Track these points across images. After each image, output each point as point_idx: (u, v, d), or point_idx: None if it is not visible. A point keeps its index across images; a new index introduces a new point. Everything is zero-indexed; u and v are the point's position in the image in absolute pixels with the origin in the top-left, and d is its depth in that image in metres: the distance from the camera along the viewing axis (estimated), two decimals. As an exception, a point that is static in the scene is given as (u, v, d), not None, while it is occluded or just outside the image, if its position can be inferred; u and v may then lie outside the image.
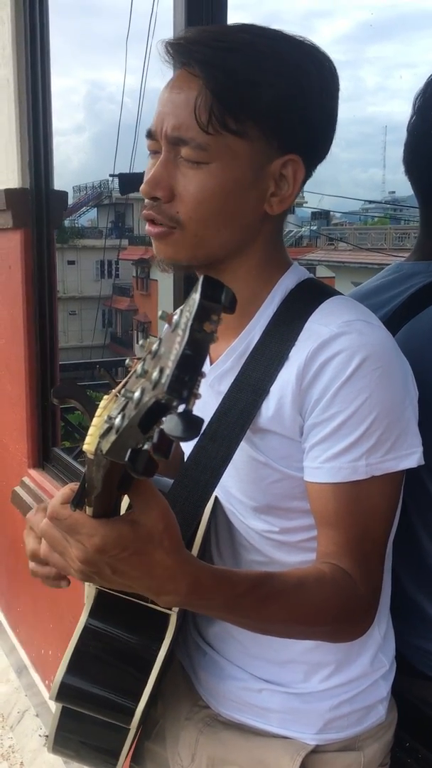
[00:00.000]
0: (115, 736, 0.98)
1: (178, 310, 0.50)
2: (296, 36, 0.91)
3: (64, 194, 2.83)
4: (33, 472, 2.82)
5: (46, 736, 2.55)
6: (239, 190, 0.89)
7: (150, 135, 0.91)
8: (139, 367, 0.53)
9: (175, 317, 0.49)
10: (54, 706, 1.00)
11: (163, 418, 0.48)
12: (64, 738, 1.02)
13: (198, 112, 0.85)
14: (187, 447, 1.01)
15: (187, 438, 0.47)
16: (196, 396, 0.46)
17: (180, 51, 0.88)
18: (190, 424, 0.47)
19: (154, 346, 0.51)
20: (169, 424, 0.47)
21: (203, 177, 0.87)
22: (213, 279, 0.50)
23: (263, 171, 0.89)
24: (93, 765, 1.07)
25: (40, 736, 2.71)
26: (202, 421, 0.47)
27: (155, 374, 0.47)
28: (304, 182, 0.94)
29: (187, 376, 0.46)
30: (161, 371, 0.47)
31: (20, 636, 3.20)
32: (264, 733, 1.00)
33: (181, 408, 0.47)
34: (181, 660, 1.12)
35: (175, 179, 0.89)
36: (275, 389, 0.90)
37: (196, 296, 0.48)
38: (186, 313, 0.48)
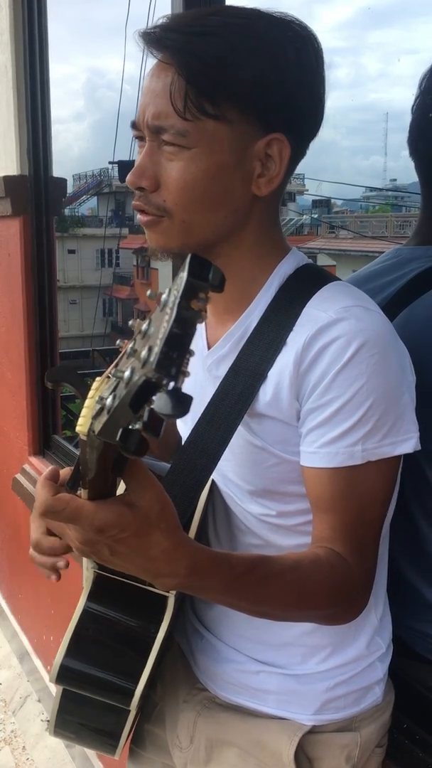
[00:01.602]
0: (115, 718, 0.99)
1: (166, 290, 0.50)
2: (274, 12, 0.90)
3: (63, 181, 2.82)
4: (34, 460, 2.83)
5: (48, 720, 2.58)
6: (223, 173, 0.88)
7: (134, 126, 0.92)
8: (129, 347, 0.53)
9: (163, 296, 0.50)
10: (55, 691, 1.01)
11: (153, 397, 0.48)
12: (65, 721, 1.03)
13: (173, 99, 0.85)
14: (185, 430, 1.01)
15: (176, 415, 0.47)
16: (185, 374, 0.47)
17: (153, 40, 0.87)
18: (180, 401, 0.47)
19: (144, 326, 0.52)
20: (159, 402, 0.47)
21: (185, 163, 0.87)
22: (200, 258, 0.50)
23: (247, 152, 0.89)
24: (94, 747, 1.08)
25: (42, 720, 2.73)
26: (191, 398, 0.48)
27: (144, 353, 0.48)
28: (296, 162, 0.93)
29: (175, 353, 0.46)
30: (150, 350, 0.47)
31: (22, 622, 3.22)
32: (261, 714, 1.01)
33: (170, 386, 0.47)
34: (180, 644, 1.13)
35: (160, 168, 0.89)
36: (273, 374, 0.90)
37: (183, 274, 0.49)
38: (174, 292, 0.48)
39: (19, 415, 2.90)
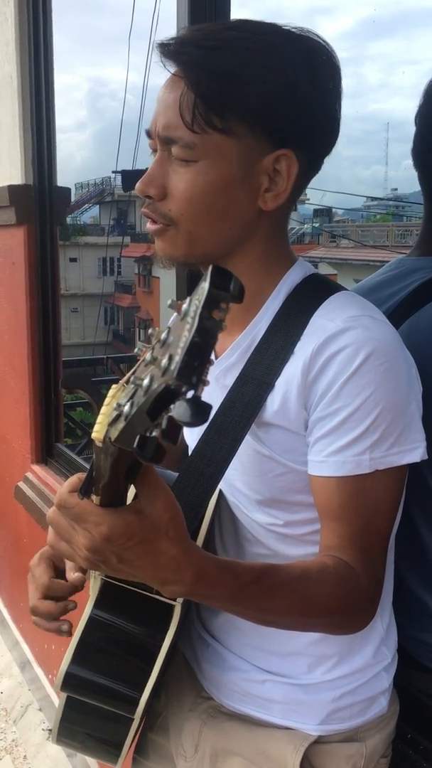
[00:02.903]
0: (118, 727, 0.99)
1: (187, 299, 0.51)
2: (293, 29, 0.90)
3: (67, 190, 2.84)
4: (36, 468, 2.83)
5: (50, 729, 2.56)
6: (229, 186, 0.89)
7: (148, 134, 0.93)
8: (148, 356, 0.53)
9: (184, 306, 0.50)
10: (57, 700, 1.01)
11: (172, 405, 0.48)
12: (68, 729, 1.03)
13: (182, 110, 0.87)
14: (193, 439, 1.01)
15: (195, 423, 0.47)
16: (205, 382, 0.47)
17: (168, 53, 0.89)
18: (199, 409, 0.47)
19: (163, 335, 0.52)
20: (179, 410, 0.47)
21: (192, 175, 0.88)
22: (222, 268, 0.50)
23: (254, 167, 0.89)
24: (97, 757, 1.08)
25: (43, 730, 2.72)
26: (210, 407, 0.48)
27: (164, 361, 0.48)
28: (308, 177, 0.94)
29: (196, 362, 0.46)
30: (170, 358, 0.47)
31: (23, 631, 3.21)
32: (267, 724, 1.01)
33: (189, 394, 0.47)
34: (184, 652, 1.13)
35: (168, 177, 0.90)
36: (280, 383, 0.91)
37: (205, 285, 0.49)
38: (195, 302, 0.49)
39: (22, 423, 2.91)
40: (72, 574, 0.97)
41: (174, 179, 0.90)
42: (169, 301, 0.55)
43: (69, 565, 0.99)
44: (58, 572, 1.01)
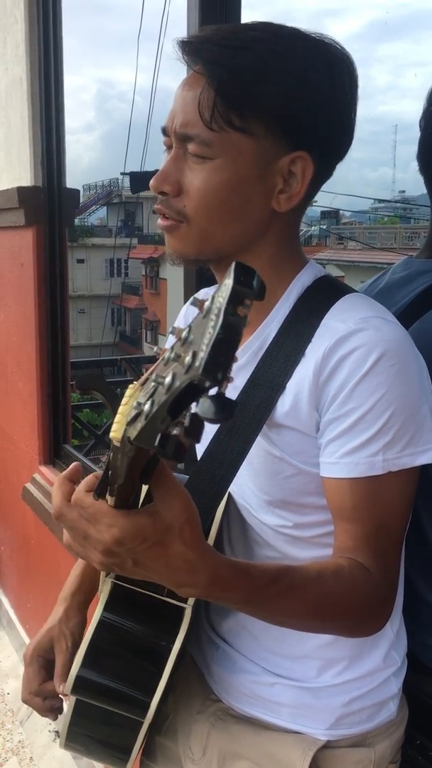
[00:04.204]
0: (127, 732, 0.99)
1: (209, 297, 0.50)
2: (312, 33, 0.91)
3: (76, 192, 2.85)
4: (44, 469, 2.83)
5: (56, 731, 2.57)
6: (244, 185, 0.90)
7: (164, 131, 0.94)
8: (167, 354, 0.53)
9: (207, 303, 0.50)
10: (65, 702, 1.01)
11: (194, 403, 0.48)
12: (75, 734, 1.03)
13: (201, 108, 0.87)
14: (203, 442, 1.01)
15: (220, 420, 0.47)
16: (229, 379, 0.47)
17: (189, 50, 0.89)
18: (224, 405, 0.47)
19: (184, 333, 0.52)
20: (203, 406, 0.47)
21: (208, 172, 0.89)
22: (245, 265, 0.50)
23: (270, 167, 0.90)
24: (105, 762, 1.07)
25: (49, 731, 2.72)
26: (235, 403, 0.48)
27: (188, 358, 0.48)
28: (321, 181, 0.94)
29: (221, 357, 0.46)
30: (194, 355, 0.47)
31: (30, 632, 3.21)
32: (275, 727, 1.00)
33: (213, 391, 0.47)
34: (193, 655, 1.12)
35: (183, 174, 0.91)
36: (291, 385, 0.91)
37: (229, 281, 0.49)
38: (219, 299, 0.49)
39: (30, 424, 2.91)
40: (60, 688, 1.05)
41: (189, 176, 0.90)
42: (191, 299, 0.54)
43: (57, 673, 1.06)
44: (49, 665, 1.12)
